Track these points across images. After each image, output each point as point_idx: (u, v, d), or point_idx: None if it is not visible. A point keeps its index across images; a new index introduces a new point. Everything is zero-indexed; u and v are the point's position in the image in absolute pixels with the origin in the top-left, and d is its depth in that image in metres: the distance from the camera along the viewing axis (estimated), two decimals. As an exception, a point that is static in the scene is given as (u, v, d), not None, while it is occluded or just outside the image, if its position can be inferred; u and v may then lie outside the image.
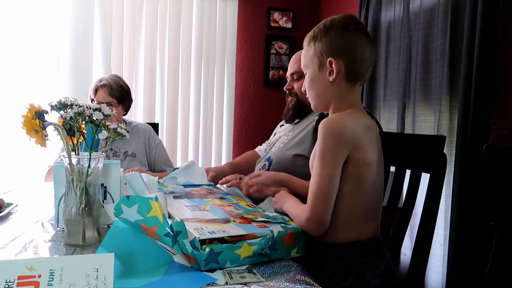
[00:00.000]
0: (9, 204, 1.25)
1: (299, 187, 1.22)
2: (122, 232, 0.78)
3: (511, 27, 1.37)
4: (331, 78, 1.01)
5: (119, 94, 1.89)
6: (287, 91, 1.65)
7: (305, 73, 1.08)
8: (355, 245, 0.97)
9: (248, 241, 0.81)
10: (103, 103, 1.83)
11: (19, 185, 1.72)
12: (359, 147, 0.95)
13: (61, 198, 0.98)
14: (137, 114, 2.76)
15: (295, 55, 1.66)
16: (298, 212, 0.97)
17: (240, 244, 0.79)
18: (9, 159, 2.40)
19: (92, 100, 1.87)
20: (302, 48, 1.11)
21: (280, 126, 1.83)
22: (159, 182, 1.37)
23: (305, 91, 1.10)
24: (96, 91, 1.86)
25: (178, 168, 1.54)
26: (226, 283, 0.72)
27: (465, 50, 1.44)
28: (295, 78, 1.62)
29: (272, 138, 1.80)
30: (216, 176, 1.63)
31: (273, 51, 3.12)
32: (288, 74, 1.66)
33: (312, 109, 1.12)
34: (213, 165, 3.00)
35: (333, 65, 1.00)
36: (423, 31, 1.74)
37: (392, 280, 1.00)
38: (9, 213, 1.20)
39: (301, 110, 1.61)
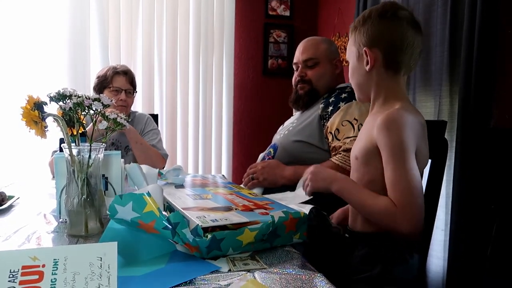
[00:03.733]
0: (11, 197, 1.26)
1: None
2: (117, 232, 0.78)
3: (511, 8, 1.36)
4: (367, 68, 1.01)
5: (134, 82, 1.94)
6: (299, 78, 1.62)
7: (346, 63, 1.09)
8: (388, 237, 0.94)
9: (249, 226, 0.81)
10: (122, 89, 1.83)
11: (20, 178, 1.72)
12: (420, 142, 0.95)
13: (62, 189, 0.98)
14: (136, 106, 2.74)
15: (306, 42, 1.64)
16: (388, 212, 0.89)
17: (241, 229, 0.79)
18: (9, 152, 2.39)
19: (104, 88, 1.85)
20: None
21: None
22: (162, 174, 1.37)
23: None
24: (112, 77, 1.85)
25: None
26: (230, 270, 0.72)
27: (465, 34, 1.43)
28: (309, 65, 1.60)
29: (281, 128, 1.81)
30: None
31: (271, 39, 3.09)
32: (299, 60, 1.63)
33: (357, 100, 1.13)
34: (213, 156, 3.00)
35: (368, 55, 1.00)
36: (422, 16, 1.73)
37: (419, 279, 0.99)
38: (11, 206, 1.20)
39: (313, 98, 1.60)
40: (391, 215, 0.89)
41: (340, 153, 1.40)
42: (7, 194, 1.26)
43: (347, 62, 1.12)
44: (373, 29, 1.00)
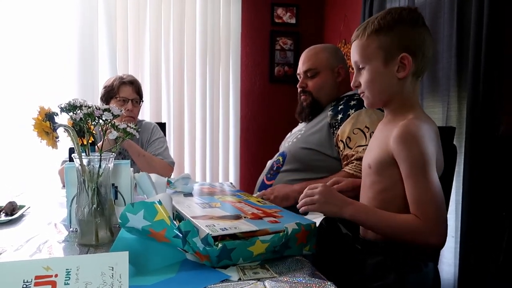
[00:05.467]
0: (22, 207, 1.27)
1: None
2: (128, 242, 0.78)
3: (519, 15, 1.36)
4: (400, 75, 0.97)
5: (141, 92, 1.96)
6: (301, 89, 1.63)
7: (360, 67, 1.02)
8: (401, 245, 0.93)
9: (260, 238, 0.81)
10: (128, 99, 1.85)
11: (31, 187, 1.74)
12: (437, 151, 0.95)
13: (73, 199, 0.99)
14: (144, 114, 2.77)
15: (307, 52, 1.65)
16: (414, 227, 0.88)
17: (253, 240, 0.79)
18: (19, 162, 2.42)
19: (111, 98, 1.88)
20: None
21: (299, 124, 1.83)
22: (171, 182, 1.37)
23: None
24: (119, 87, 1.87)
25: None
26: (240, 279, 0.72)
27: (473, 40, 1.43)
28: (309, 76, 1.60)
29: (288, 135, 1.81)
30: None
31: (277, 47, 3.11)
32: (300, 71, 1.64)
33: (367, 106, 1.08)
34: (220, 164, 3.01)
35: (405, 61, 0.96)
36: (429, 22, 1.73)
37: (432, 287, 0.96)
38: (22, 215, 1.21)
39: (316, 108, 1.60)
40: (418, 231, 0.88)
41: (353, 162, 1.40)
42: (18, 203, 1.28)
43: (353, 68, 1.08)
44: (406, 34, 0.96)
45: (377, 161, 0.99)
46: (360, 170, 1.33)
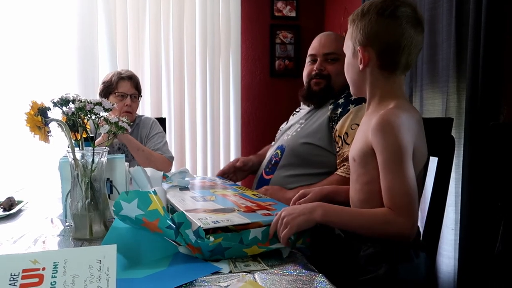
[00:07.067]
0: (20, 202, 1.28)
1: (347, 195, 1.13)
2: (121, 232, 0.78)
3: (518, 3, 1.34)
4: (360, 67, 0.99)
5: (139, 87, 1.96)
6: (317, 70, 1.54)
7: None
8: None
9: (252, 230, 0.80)
10: (127, 94, 1.85)
11: (31, 183, 1.75)
12: (416, 141, 0.93)
13: (67, 193, 0.99)
14: (144, 110, 2.77)
15: (329, 35, 1.58)
16: (388, 219, 0.88)
17: (250, 244, 0.80)
18: (20, 156, 2.43)
19: (110, 93, 1.88)
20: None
21: (293, 115, 1.79)
22: (167, 176, 1.37)
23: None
24: (117, 82, 1.87)
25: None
26: (231, 271, 0.72)
27: (471, 29, 1.40)
28: (329, 60, 1.54)
29: (284, 125, 1.78)
30: (245, 161, 1.70)
31: (278, 40, 3.09)
32: (318, 52, 1.56)
33: (352, 94, 1.11)
34: (222, 159, 3.00)
35: (361, 54, 0.97)
36: (428, 12, 1.71)
37: (429, 280, 0.95)
38: (19, 211, 1.22)
39: (329, 95, 1.53)
40: (389, 222, 0.87)
41: (345, 164, 1.37)
42: (16, 199, 1.28)
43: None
44: (369, 27, 0.96)
45: (360, 153, 0.98)
46: None
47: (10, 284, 0.56)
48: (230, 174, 1.71)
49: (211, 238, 0.76)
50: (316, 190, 1.16)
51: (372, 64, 0.98)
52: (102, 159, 0.94)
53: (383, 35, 0.95)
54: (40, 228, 1.03)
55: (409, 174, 0.88)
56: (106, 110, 0.91)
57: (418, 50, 1.00)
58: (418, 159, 0.94)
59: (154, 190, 0.80)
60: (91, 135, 0.99)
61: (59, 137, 0.95)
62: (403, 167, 0.88)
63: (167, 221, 0.77)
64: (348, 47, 1.04)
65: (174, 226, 0.77)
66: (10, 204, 1.24)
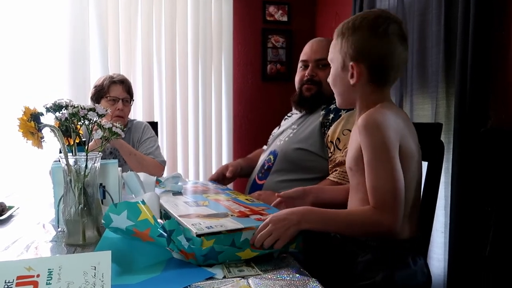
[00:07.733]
0: (11, 207, 1.27)
1: (331, 195, 1.15)
2: (112, 241, 0.78)
3: (505, 9, 1.37)
4: (351, 81, 0.98)
5: (131, 91, 1.95)
6: (309, 76, 1.55)
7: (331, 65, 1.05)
8: (390, 242, 0.93)
9: (252, 249, 0.81)
10: (119, 99, 1.85)
11: (22, 188, 1.73)
12: (404, 138, 0.93)
13: (60, 199, 0.99)
14: (136, 114, 2.76)
15: (321, 41, 1.59)
16: (372, 218, 0.88)
17: (244, 247, 0.80)
18: (11, 162, 2.41)
19: (101, 98, 1.87)
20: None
21: (285, 119, 1.80)
22: (160, 181, 1.37)
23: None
24: (109, 87, 1.86)
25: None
26: (224, 277, 0.73)
27: (460, 35, 1.43)
28: (321, 66, 1.54)
29: (276, 130, 1.78)
30: (234, 171, 1.68)
31: (269, 45, 3.11)
32: (310, 58, 1.57)
33: (338, 105, 1.09)
34: (214, 162, 3.01)
35: (354, 70, 0.97)
36: (417, 18, 1.73)
37: (423, 284, 0.95)
38: (10, 216, 1.21)
39: (320, 101, 1.54)
40: (374, 220, 0.88)
41: (336, 170, 1.38)
42: (7, 204, 1.27)
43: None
44: (362, 43, 0.96)
45: (354, 161, 0.98)
46: (345, 177, 1.31)
47: (4, 291, 0.56)
48: (219, 180, 1.71)
49: (208, 246, 0.77)
50: (299, 188, 1.17)
51: (364, 79, 0.98)
52: (95, 164, 0.94)
53: (376, 52, 0.96)
54: (32, 234, 1.02)
55: (394, 171, 0.88)
56: (99, 116, 0.91)
57: (405, 66, 1.02)
58: (406, 157, 0.93)
59: (143, 200, 0.81)
60: (83, 139, 0.99)
61: (50, 142, 0.94)
62: (387, 165, 0.88)
63: (158, 229, 0.77)
64: (336, 59, 1.02)
65: (165, 234, 0.77)
66: (1, 209, 1.23)
